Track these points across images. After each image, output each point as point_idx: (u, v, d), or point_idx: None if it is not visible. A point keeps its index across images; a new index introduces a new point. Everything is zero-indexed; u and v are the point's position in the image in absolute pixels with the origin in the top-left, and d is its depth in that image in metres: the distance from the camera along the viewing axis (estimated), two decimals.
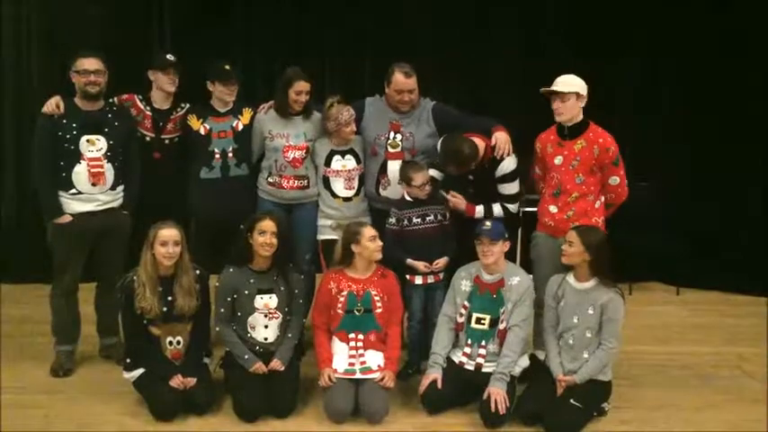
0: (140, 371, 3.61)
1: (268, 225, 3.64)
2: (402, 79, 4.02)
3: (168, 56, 4.14)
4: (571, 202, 3.79)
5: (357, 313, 3.71)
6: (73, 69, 3.87)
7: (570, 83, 3.76)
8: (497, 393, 3.46)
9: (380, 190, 4.12)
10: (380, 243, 3.72)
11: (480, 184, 3.94)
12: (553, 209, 3.85)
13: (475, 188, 3.98)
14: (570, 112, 3.76)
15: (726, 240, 5.48)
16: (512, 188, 3.95)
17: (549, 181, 3.90)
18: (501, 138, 3.88)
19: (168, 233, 3.54)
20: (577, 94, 3.75)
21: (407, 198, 3.96)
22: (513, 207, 3.97)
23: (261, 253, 3.66)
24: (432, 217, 3.95)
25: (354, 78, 5.37)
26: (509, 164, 3.89)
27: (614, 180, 3.83)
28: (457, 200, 3.98)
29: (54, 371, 3.98)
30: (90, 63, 3.86)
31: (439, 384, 3.59)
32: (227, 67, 4.10)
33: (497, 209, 3.95)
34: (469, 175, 3.92)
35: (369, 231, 3.71)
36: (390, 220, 3.97)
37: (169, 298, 3.58)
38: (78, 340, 4.12)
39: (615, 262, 3.62)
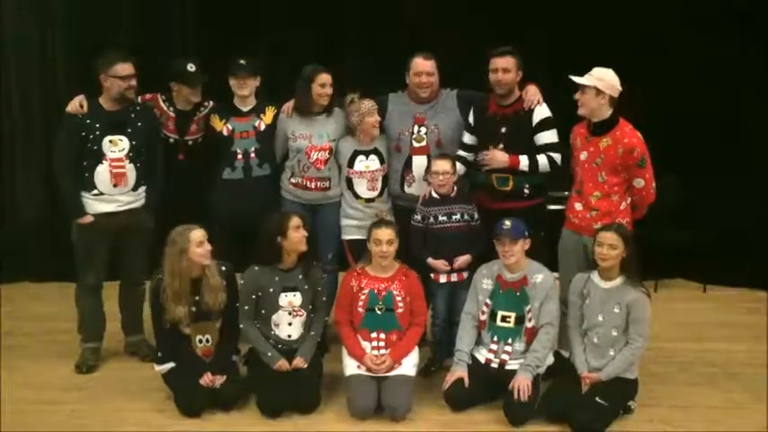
0: (171, 365, 3.64)
1: (298, 221, 3.67)
2: (420, 61, 4.03)
3: (189, 66, 4.04)
4: (594, 201, 3.70)
5: (378, 312, 3.70)
6: (109, 74, 3.86)
7: (596, 76, 3.60)
8: (522, 381, 3.44)
9: (405, 187, 4.08)
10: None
11: (514, 137, 3.86)
12: (578, 206, 3.78)
13: (507, 142, 3.88)
14: (588, 105, 3.62)
15: (753, 237, 5.39)
16: (551, 136, 3.86)
17: (575, 176, 3.84)
18: (530, 89, 3.90)
19: (200, 233, 3.56)
20: (597, 90, 3.58)
21: (434, 195, 3.92)
22: (557, 157, 3.85)
23: (300, 248, 3.67)
24: (458, 216, 3.88)
25: (374, 80, 5.31)
26: (543, 110, 3.87)
27: (639, 182, 3.68)
28: (495, 154, 3.85)
29: (78, 367, 4.02)
30: (129, 68, 3.88)
31: (465, 383, 3.58)
32: (242, 61, 4.06)
33: (543, 159, 3.83)
34: (502, 127, 3.88)
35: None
36: (416, 216, 3.94)
37: (197, 297, 3.60)
38: (104, 337, 4.15)
39: (641, 259, 3.57)
